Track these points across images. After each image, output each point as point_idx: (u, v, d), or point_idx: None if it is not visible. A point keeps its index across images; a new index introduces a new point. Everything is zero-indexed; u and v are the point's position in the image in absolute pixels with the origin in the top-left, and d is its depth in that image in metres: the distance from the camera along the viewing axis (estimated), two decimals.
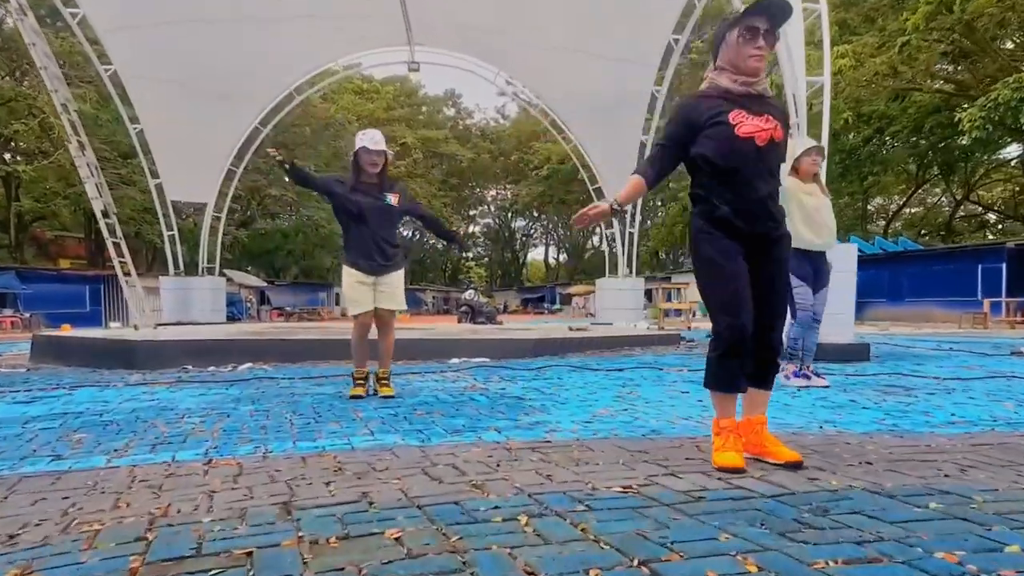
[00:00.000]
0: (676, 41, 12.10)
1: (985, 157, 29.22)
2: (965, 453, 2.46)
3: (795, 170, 4.57)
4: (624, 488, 1.95)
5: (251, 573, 1.35)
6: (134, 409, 3.78)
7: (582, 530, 1.57)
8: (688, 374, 5.45)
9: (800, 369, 4.69)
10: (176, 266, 13.14)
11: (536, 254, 67.37)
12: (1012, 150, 29.11)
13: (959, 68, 26.17)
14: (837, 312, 6.51)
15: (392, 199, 4.23)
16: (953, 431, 2.99)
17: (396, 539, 1.53)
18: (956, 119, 16.95)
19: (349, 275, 4.20)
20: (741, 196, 2.30)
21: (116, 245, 9.39)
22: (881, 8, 22.72)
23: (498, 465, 2.28)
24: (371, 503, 1.84)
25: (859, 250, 24.57)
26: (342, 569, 1.36)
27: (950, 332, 13.73)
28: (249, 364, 6.39)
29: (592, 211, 2.41)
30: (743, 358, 2.26)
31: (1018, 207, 36.00)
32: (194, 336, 7.50)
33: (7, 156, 26.55)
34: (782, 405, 3.78)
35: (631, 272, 14.46)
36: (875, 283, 22.35)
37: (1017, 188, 35.19)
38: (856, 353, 6.60)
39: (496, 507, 1.77)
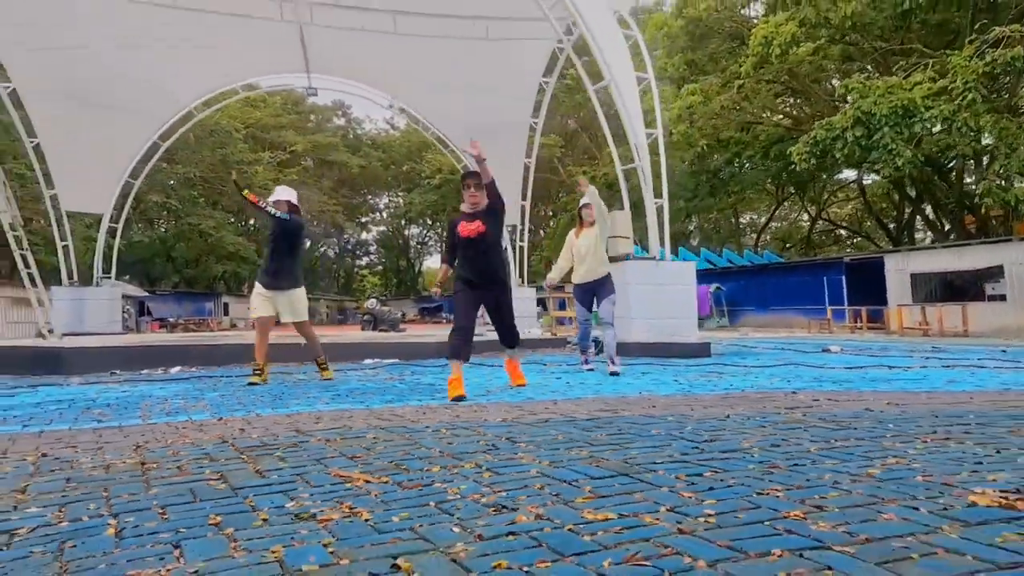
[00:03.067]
0: (546, 84, 13.99)
1: (826, 180, 33.94)
2: (716, 401, 4.04)
3: (580, 221, 6.33)
4: (503, 419, 3.30)
5: (297, 453, 2.56)
6: (117, 398, 4.69)
7: (477, 432, 2.90)
8: (565, 368, 6.95)
9: (586, 358, 6.64)
10: (70, 277, 13.13)
11: (432, 262, 68.08)
12: (850, 174, 33.89)
13: (796, 103, 30.55)
14: (682, 318, 8.31)
15: None
16: (719, 391, 4.61)
17: (374, 439, 2.79)
18: (788, 151, 20.12)
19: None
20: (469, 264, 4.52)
21: (23, 257, 9.64)
22: (721, 52, 26.19)
23: (423, 413, 3.58)
24: (350, 428, 3.08)
25: (730, 262, 27.50)
26: (352, 449, 2.61)
27: (799, 336, 16.33)
28: (179, 367, 7.19)
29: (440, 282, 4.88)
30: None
31: (861, 223, 41.86)
32: (119, 343, 8.11)
33: None
34: (626, 383, 5.31)
35: (523, 282, 16.09)
36: (745, 292, 25.28)
37: (858, 207, 40.78)
38: (699, 351, 8.38)
39: (428, 427, 3.07)
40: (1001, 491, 1.82)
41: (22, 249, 9.70)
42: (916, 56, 19.90)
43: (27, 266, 9.78)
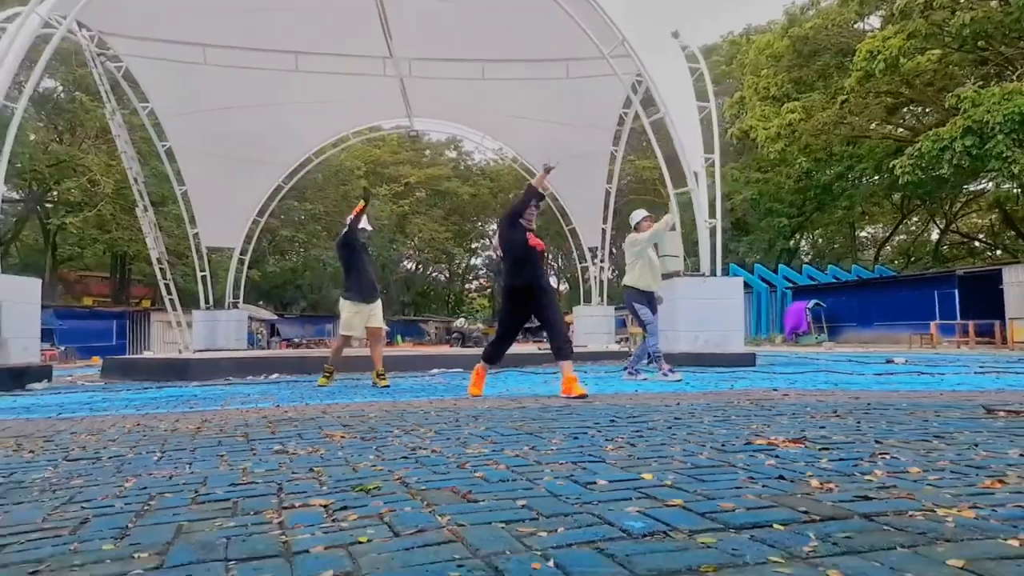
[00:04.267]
0: (626, 114, 14.55)
1: (953, 190, 31.52)
2: (695, 396, 4.51)
3: (637, 230, 6.74)
4: (487, 407, 4.02)
5: (309, 424, 3.42)
6: (213, 394, 5.88)
7: (452, 412, 3.64)
8: (603, 375, 7.50)
9: (666, 368, 6.70)
10: (207, 301, 15.33)
11: None
12: (984, 185, 31.27)
13: (920, 112, 28.78)
14: (728, 330, 8.61)
15: None
16: (708, 389, 5.03)
17: (372, 417, 3.60)
18: (891, 165, 19.21)
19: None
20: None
21: (167, 286, 11.64)
22: (831, 67, 25.32)
23: (455, 404, 4.36)
24: (363, 411, 3.92)
25: (835, 278, 26.21)
26: (351, 422, 3.43)
27: (890, 350, 15.48)
28: (277, 374, 8.47)
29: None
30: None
31: (997, 236, 38.22)
32: (230, 355, 9.61)
33: (50, 207, 29.17)
34: (634, 384, 5.83)
35: (602, 301, 16.62)
36: (848, 308, 24.15)
37: (993, 219, 37.33)
38: (744, 360, 8.64)
39: (421, 410, 3.85)
40: (784, 439, 2.34)
41: (166, 279, 11.68)
42: None
43: (169, 293, 11.77)
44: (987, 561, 1.16)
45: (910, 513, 1.47)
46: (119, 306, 31.05)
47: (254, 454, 2.61)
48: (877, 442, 2.38)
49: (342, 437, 3.00)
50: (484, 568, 1.24)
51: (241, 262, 16.24)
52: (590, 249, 17.04)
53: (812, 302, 23.40)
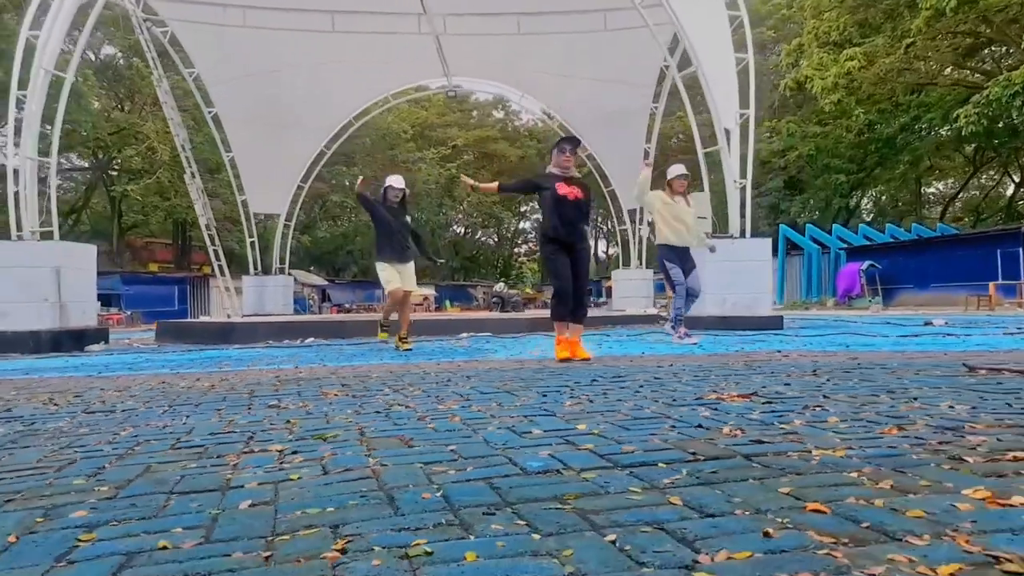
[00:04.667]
0: (667, 68, 14.08)
1: None
2: (701, 358, 4.55)
3: (669, 187, 6.50)
4: (517, 362, 4.16)
5: (312, 382, 3.63)
6: (245, 356, 6.23)
7: (451, 373, 3.80)
8: (624, 338, 7.55)
9: (677, 330, 6.59)
10: (255, 267, 15.97)
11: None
12: None
13: (1003, 53, 26.58)
14: (756, 292, 8.49)
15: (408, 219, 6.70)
16: (716, 352, 5.04)
17: (374, 377, 3.79)
18: (955, 115, 18.08)
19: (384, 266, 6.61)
20: (563, 223, 4.55)
21: (215, 252, 12.19)
22: (900, 6, 23.64)
23: (438, 364, 4.54)
24: (368, 372, 4.13)
25: (893, 237, 25.01)
26: (349, 381, 3.63)
27: (934, 312, 14.99)
28: (312, 338, 8.84)
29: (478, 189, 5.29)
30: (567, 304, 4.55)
31: None
32: (272, 320, 10.05)
33: (114, 175, 30.59)
34: (649, 346, 5.88)
35: (641, 264, 16.47)
36: (904, 269, 23.16)
37: None
38: (771, 323, 8.52)
39: (423, 371, 4.02)
40: (735, 395, 2.40)
41: (214, 246, 12.21)
42: None
43: (217, 259, 12.33)
44: (812, 488, 1.27)
45: (788, 454, 1.55)
46: (181, 272, 32.61)
47: (249, 410, 2.83)
48: (825, 397, 2.43)
49: (335, 395, 3.20)
50: (381, 497, 1.39)
51: (287, 227, 16.75)
52: (629, 212, 16.83)
53: (866, 263, 22.55)
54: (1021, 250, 18.82)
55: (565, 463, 1.56)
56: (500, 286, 16.21)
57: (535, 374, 3.75)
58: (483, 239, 58.13)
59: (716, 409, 2.21)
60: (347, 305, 32.64)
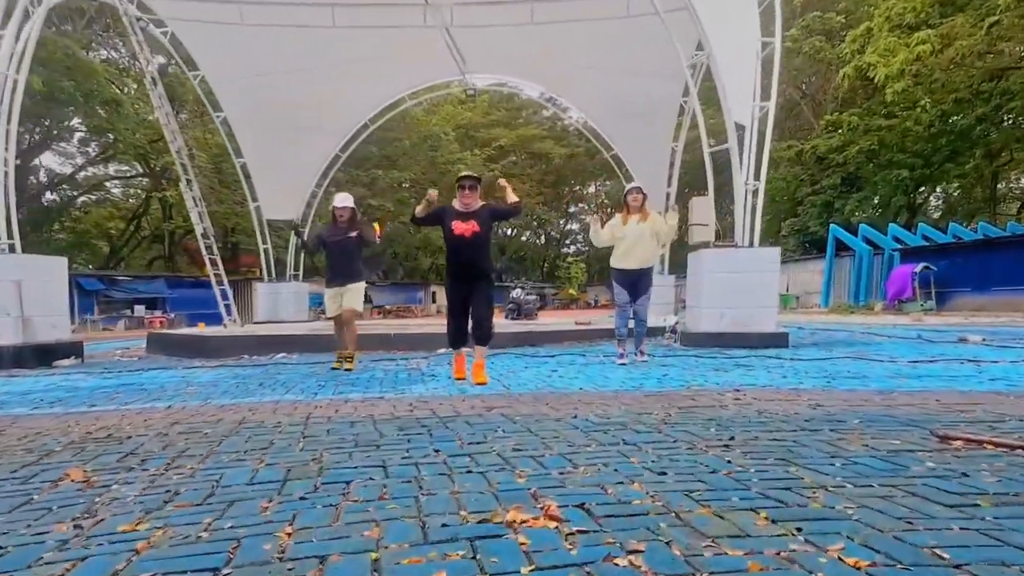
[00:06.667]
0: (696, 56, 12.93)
1: None
2: (672, 401, 3.61)
3: (625, 206, 5.90)
4: (405, 411, 3.35)
5: (368, 416, 2.92)
6: (166, 382, 5.62)
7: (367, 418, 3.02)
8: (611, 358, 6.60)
9: (623, 351, 6.32)
10: (269, 274, 15.71)
11: None
12: None
13: None
14: (759, 306, 7.37)
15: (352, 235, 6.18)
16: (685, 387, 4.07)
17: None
18: None
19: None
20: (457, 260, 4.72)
21: (212, 260, 11.89)
22: None
23: (361, 402, 3.77)
24: (314, 412, 3.39)
25: (956, 237, 22.84)
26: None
27: (986, 323, 13.16)
28: (283, 354, 8.25)
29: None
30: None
31: None
32: (249, 334, 9.55)
33: (164, 181, 31.50)
34: (590, 375, 4.94)
35: (663, 271, 15.27)
36: (964, 271, 21.12)
37: None
38: (774, 341, 7.40)
39: (355, 420, 3.26)
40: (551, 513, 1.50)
41: (212, 255, 11.92)
42: None
43: (215, 267, 12.02)
44: None
45: None
46: (228, 275, 33.17)
47: None
48: (677, 516, 1.49)
49: (71, 481, 2.47)
50: None
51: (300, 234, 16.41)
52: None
53: (920, 265, 20.56)
54: None
55: None
56: (517, 292, 15.27)
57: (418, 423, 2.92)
58: (530, 239, 57.36)
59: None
60: (388, 307, 32.46)
